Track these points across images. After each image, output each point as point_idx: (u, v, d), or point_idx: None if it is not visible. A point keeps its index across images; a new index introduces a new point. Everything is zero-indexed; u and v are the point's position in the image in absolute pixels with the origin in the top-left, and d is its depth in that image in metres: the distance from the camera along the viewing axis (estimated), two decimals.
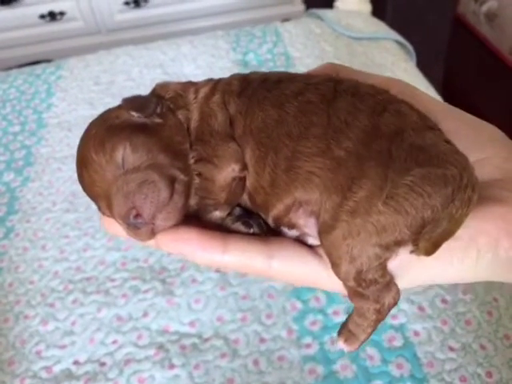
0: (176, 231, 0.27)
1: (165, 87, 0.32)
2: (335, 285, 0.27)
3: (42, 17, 1.42)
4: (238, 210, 0.29)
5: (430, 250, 0.24)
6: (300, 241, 0.28)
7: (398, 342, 0.53)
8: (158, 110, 0.30)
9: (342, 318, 0.55)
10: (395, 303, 0.27)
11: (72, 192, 0.74)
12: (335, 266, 0.26)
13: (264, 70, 0.95)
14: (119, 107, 0.30)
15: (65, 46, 1.45)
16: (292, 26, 1.06)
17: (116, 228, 0.29)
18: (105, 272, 0.64)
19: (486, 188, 0.26)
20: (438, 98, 0.88)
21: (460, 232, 0.24)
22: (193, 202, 0.29)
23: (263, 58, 0.98)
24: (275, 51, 1.00)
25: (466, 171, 0.24)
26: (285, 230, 0.29)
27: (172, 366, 0.54)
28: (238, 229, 0.29)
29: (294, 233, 0.28)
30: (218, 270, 0.61)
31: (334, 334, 0.53)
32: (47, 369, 0.55)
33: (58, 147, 0.84)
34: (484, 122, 0.30)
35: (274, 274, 0.27)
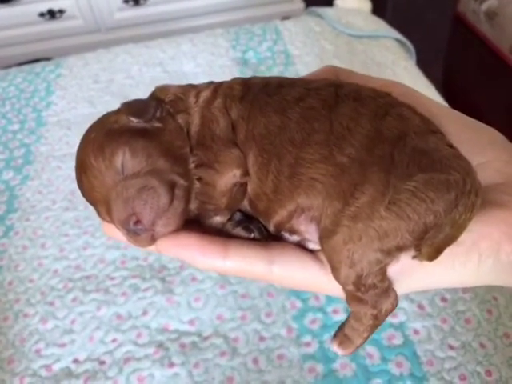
0: (176, 236, 0.27)
1: (164, 90, 0.31)
2: (336, 290, 0.27)
3: (42, 15, 1.42)
4: (238, 215, 0.29)
5: (433, 255, 0.24)
6: (301, 246, 0.28)
7: (398, 341, 0.53)
8: (158, 114, 0.29)
9: (341, 317, 0.55)
10: (393, 309, 0.27)
11: (71, 190, 0.74)
12: (335, 271, 0.26)
13: (263, 67, 0.95)
14: (118, 111, 0.30)
15: (64, 45, 1.45)
16: (292, 24, 1.06)
17: (116, 233, 0.28)
18: (104, 270, 0.63)
19: (488, 192, 0.26)
20: (438, 96, 0.88)
21: (462, 237, 0.24)
22: (193, 206, 0.29)
23: (263, 55, 0.98)
24: (275, 49, 1.00)
25: (469, 176, 0.24)
26: (286, 235, 0.29)
27: (172, 365, 0.54)
28: (239, 234, 0.29)
29: (294, 238, 0.28)
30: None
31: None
32: (47, 367, 0.55)
33: (57, 145, 0.84)
34: (484, 125, 0.30)
35: (275, 279, 0.27)
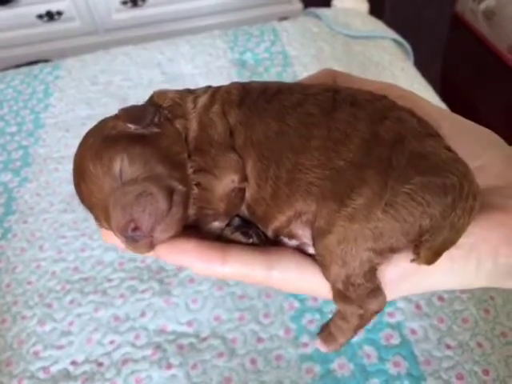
0: (175, 242, 0.27)
1: (162, 95, 0.31)
2: None
3: (40, 17, 1.42)
4: (236, 221, 0.29)
5: (431, 258, 0.24)
6: (300, 250, 0.28)
7: (395, 340, 0.53)
8: (156, 120, 0.29)
9: None
10: (379, 311, 0.27)
11: (69, 192, 0.74)
12: (325, 269, 0.26)
13: (261, 69, 0.95)
14: (116, 117, 0.30)
15: (62, 46, 1.45)
16: (290, 24, 1.06)
17: (115, 240, 0.28)
18: (102, 272, 0.64)
19: (486, 195, 0.26)
20: (436, 96, 0.88)
21: (461, 240, 0.24)
22: (191, 212, 0.29)
23: (261, 57, 0.98)
24: (273, 50, 1.00)
25: (467, 180, 0.24)
26: (284, 239, 0.29)
27: (169, 366, 0.54)
28: (237, 239, 0.29)
29: (293, 242, 0.28)
30: None
31: None
32: (45, 369, 0.55)
33: (55, 147, 0.84)
34: (482, 128, 0.30)
35: (274, 283, 0.27)
